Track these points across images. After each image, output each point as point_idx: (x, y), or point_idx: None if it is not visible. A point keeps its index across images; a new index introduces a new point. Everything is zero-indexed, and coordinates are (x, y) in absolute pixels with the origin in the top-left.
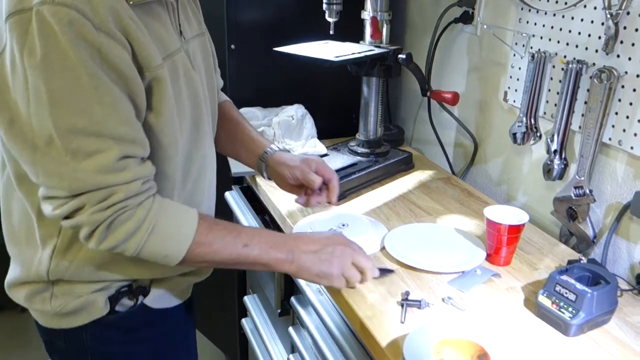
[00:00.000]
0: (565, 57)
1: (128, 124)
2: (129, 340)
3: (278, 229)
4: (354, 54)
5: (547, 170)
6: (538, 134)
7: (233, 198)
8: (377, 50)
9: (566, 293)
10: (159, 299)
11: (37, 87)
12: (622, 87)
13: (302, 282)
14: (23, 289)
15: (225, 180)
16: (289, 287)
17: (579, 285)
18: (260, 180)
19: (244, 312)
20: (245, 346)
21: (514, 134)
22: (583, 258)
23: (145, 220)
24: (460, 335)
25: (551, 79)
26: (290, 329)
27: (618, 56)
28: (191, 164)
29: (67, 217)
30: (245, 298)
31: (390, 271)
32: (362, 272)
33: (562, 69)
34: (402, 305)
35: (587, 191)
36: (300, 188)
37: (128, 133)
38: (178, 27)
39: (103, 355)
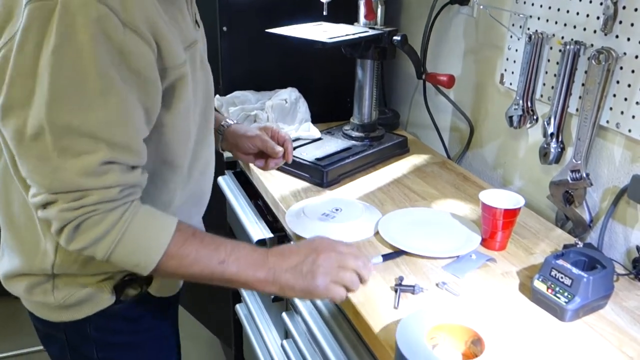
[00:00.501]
0: (562, 38)
1: (127, 130)
2: (136, 330)
3: (271, 213)
4: (347, 35)
5: (544, 154)
6: (534, 117)
7: (226, 183)
8: (371, 32)
9: (562, 278)
10: (161, 287)
11: (42, 78)
12: (621, 68)
13: None
14: (22, 281)
15: (218, 165)
16: None
17: (574, 270)
18: (253, 164)
19: (238, 298)
20: (239, 332)
21: (510, 117)
22: (579, 242)
23: (115, 226)
24: (454, 320)
25: (548, 60)
26: (284, 315)
27: (617, 37)
28: (200, 155)
29: (42, 207)
30: None
31: (399, 254)
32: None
33: (560, 50)
34: (396, 291)
35: (584, 175)
36: (258, 155)
37: (124, 139)
38: (194, 15)
39: (109, 345)
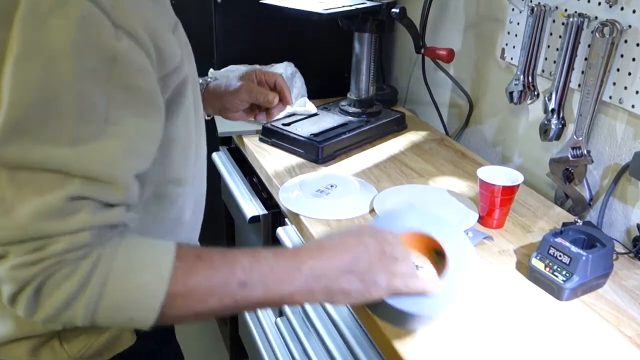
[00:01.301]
0: (566, 10)
1: (112, 161)
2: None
3: (265, 190)
4: (344, 7)
5: (544, 131)
6: (535, 93)
7: (220, 159)
8: (369, 4)
9: (560, 256)
10: None
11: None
12: (625, 41)
13: (289, 246)
14: (22, 346)
15: (212, 141)
16: None
17: (573, 248)
18: (247, 140)
19: None
20: None
21: (511, 93)
22: (579, 220)
23: (91, 276)
24: (417, 229)
25: (551, 34)
26: None
27: (622, 9)
28: (200, 152)
29: None
30: None
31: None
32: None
33: (563, 23)
34: None
35: (585, 152)
36: (252, 109)
37: (107, 172)
38: None
39: None
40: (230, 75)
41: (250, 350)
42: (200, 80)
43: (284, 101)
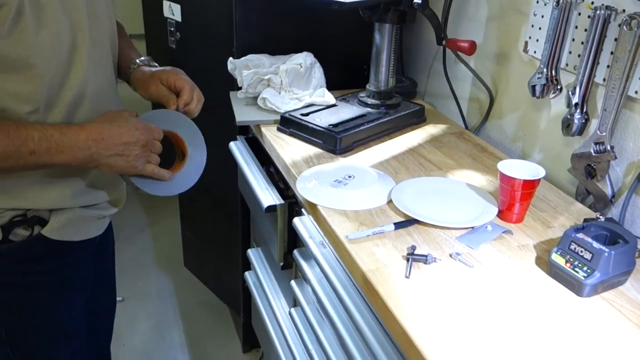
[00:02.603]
0: (592, 3)
1: None
2: (31, 271)
3: (282, 180)
4: None
5: (567, 125)
6: (558, 87)
7: (237, 148)
8: None
9: (581, 252)
10: (60, 230)
11: None
12: None
13: (305, 236)
14: None
15: (230, 130)
16: (292, 240)
17: (595, 244)
18: (265, 130)
19: (247, 265)
20: (248, 299)
21: (533, 87)
22: (600, 217)
23: None
24: (174, 130)
25: (576, 27)
26: (292, 283)
27: None
28: (62, 89)
29: None
30: (249, 251)
31: (411, 222)
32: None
33: (589, 16)
34: (408, 260)
35: (608, 148)
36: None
37: None
38: None
39: (1, 285)
40: (249, 64)
41: (263, 340)
42: (132, 63)
43: (187, 108)
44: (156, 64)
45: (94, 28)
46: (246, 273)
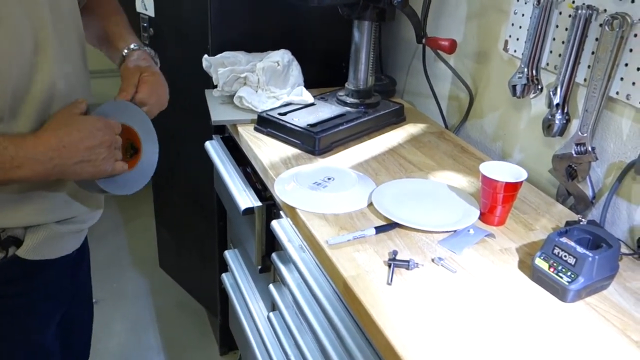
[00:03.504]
0: (573, 2)
1: None
2: (4, 294)
3: (260, 181)
4: None
5: (547, 126)
6: (539, 87)
7: (213, 148)
8: None
9: (565, 256)
10: (36, 249)
11: None
12: (635, 35)
13: (283, 240)
14: None
15: (206, 128)
16: (269, 242)
17: (579, 249)
18: (242, 129)
19: (224, 266)
20: (225, 301)
21: (514, 86)
22: (582, 219)
23: None
24: (131, 124)
25: (557, 26)
26: (271, 287)
27: (632, 1)
28: (27, 95)
29: None
30: (226, 252)
31: (393, 226)
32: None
33: (570, 15)
34: (389, 266)
35: (589, 148)
36: None
37: None
38: None
39: None
40: (225, 62)
41: (240, 343)
42: (125, 50)
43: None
44: (156, 56)
45: (59, 24)
46: (223, 275)
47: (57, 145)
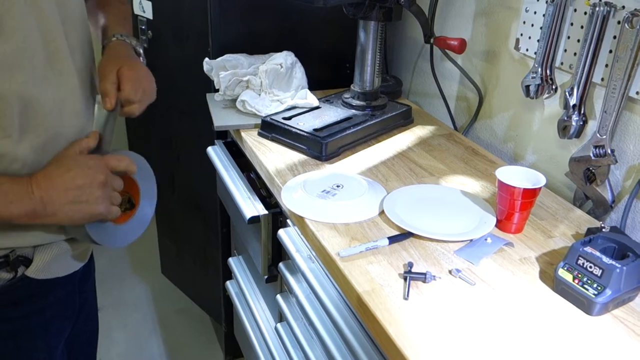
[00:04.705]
0: None
1: None
2: (12, 316)
3: (264, 187)
4: None
5: (563, 127)
6: (553, 87)
7: (216, 153)
8: None
9: (590, 267)
10: (45, 268)
11: None
12: None
13: (291, 250)
14: None
15: (207, 133)
16: (276, 249)
17: (605, 259)
18: (245, 135)
19: (228, 273)
20: (230, 309)
21: (527, 87)
22: (605, 226)
23: None
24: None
25: (571, 24)
26: (278, 297)
27: None
28: (37, 110)
29: None
30: (230, 260)
31: (406, 236)
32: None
33: (585, 12)
34: (405, 279)
35: (609, 151)
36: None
37: None
38: None
39: None
40: (227, 65)
41: (246, 351)
42: (117, 35)
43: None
44: (140, 48)
45: (71, 36)
46: (227, 282)
47: (45, 184)
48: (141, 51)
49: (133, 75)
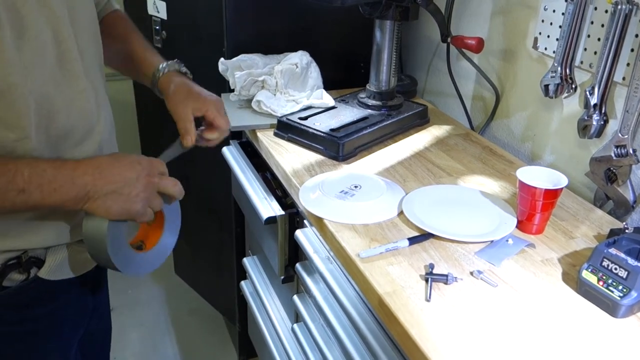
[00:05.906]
0: None
1: None
2: (26, 318)
3: (280, 187)
4: None
5: (583, 127)
6: (573, 86)
7: (231, 154)
8: None
9: (615, 269)
10: (57, 269)
11: None
12: None
13: (309, 251)
14: None
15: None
16: (292, 250)
17: (631, 261)
18: (261, 135)
19: (242, 273)
20: (244, 309)
21: (546, 86)
22: (628, 227)
23: None
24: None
25: (592, 23)
26: (295, 298)
27: None
28: (51, 110)
29: None
30: (245, 260)
31: (426, 237)
32: (171, 196)
33: (606, 11)
34: (427, 280)
35: (631, 151)
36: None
37: None
38: None
39: None
40: (242, 65)
41: (261, 352)
42: (160, 66)
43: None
44: (185, 69)
45: (80, 37)
46: (242, 282)
47: (93, 170)
48: (185, 69)
49: (212, 107)
